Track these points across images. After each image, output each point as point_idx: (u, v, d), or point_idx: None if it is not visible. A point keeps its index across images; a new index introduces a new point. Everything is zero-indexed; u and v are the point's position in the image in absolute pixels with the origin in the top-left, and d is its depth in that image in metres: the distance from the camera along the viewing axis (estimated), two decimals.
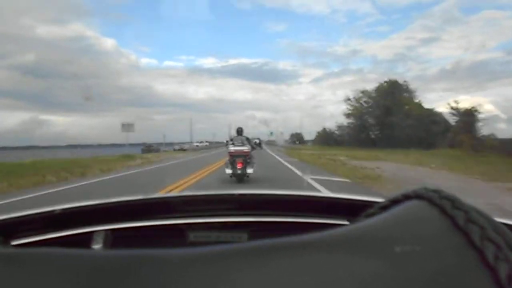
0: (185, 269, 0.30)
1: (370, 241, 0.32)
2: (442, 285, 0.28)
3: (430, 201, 0.35)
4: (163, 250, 0.33)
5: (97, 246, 0.71)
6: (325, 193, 0.84)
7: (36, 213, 0.68)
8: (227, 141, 11.17)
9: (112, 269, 0.30)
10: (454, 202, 0.33)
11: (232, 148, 10.07)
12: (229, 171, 9.89)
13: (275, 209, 0.80)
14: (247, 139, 10.35)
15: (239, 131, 10.50)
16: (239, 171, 9.76)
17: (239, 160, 9.78)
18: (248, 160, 9.92)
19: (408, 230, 0.33)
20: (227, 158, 10.25)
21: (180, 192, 0.87)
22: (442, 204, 0.34)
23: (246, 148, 10.04)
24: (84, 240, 0.71)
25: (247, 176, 9.95)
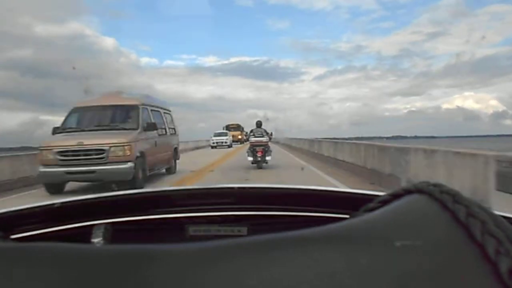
0: (185, 264, 0.27)
1: (370, 235, 0.29)
2: (442, 279, 0.25)
3: (431, 195, 0.32)
4: (163, 244, 0.30)
5: (96, 240, 0.65)
6: (325, 186, 0.74)
7: (35, 206, 0.62)
8: (246, 132, 11.80)
9: (112, 263, 0.28)
10: (455, 196, 0.30)
11: (253, 139, 10.57)
12: (250, 158, 10.43)
13: (275, 203, 0.72)
14: (265, 131, 10.81)
15: (259, 124, 10.90)
16: (259, 159, 10.30)
17: (259, 149, 10.32)
18: (266, 149, 10.43)
19: (408, 224, 0.30)
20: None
21: (180, 186, 0.81)
22: (443, 199, 0.30)
23: (265, 139, 10.53)
24: (84, 234, 0.64)
25: (266, 163, 10.45)
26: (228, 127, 39.98)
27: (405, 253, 0.27)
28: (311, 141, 18.09)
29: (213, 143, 28.60)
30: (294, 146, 23.52)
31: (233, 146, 28.20)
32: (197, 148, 26.84)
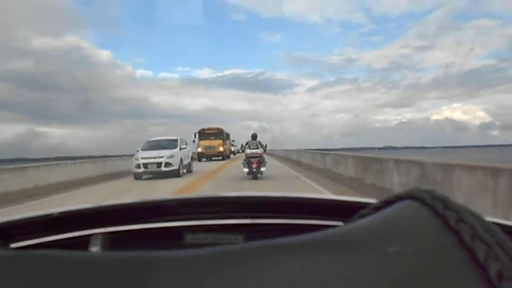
0: (182, 270, 0.27)
1: (363, 242, 0.29)
2: (433, 284, 0.25)
3: (422, 201, 0.32)
4: (160, 252, 0.30)
5: (95, 249, 0.64)
6: (320, 194, 0.74)
7: (35, 216, 0.62)
8: (242, 145, 11.74)
9: (109, 271, 0.28)
10: (446, 202, 0.31)
11: (248, 151, 10.61)
12: (246, 170, 10.45)
13: (270, 211, 0.72)
14: (260, 143, 10.87)
15: (254, 136, 10.94)
16: (254, 170, 10.34)
17: (254, 160, 10.37)
18: (261, 161, 10.49)
19: (400, 230, 0.30)
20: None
21: (177, 195, 0.80)
22: (434, 204, 0.31)
23: (260, 151, 10.59)
24: (82, 243, 0.63)
25: (261, 174, 10.53)
26: (202, 133, 26.56)
27: (397, 258, 0.27)
28: (338, 156, 10.64)
29: (138, 166, 12.15)
30: (295, 160, 17.90)
31: (206, 168, 15.52)
32: (116, 177, 12.74)
